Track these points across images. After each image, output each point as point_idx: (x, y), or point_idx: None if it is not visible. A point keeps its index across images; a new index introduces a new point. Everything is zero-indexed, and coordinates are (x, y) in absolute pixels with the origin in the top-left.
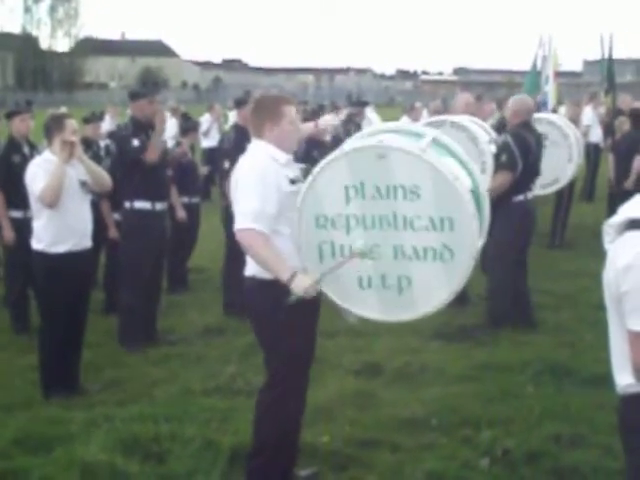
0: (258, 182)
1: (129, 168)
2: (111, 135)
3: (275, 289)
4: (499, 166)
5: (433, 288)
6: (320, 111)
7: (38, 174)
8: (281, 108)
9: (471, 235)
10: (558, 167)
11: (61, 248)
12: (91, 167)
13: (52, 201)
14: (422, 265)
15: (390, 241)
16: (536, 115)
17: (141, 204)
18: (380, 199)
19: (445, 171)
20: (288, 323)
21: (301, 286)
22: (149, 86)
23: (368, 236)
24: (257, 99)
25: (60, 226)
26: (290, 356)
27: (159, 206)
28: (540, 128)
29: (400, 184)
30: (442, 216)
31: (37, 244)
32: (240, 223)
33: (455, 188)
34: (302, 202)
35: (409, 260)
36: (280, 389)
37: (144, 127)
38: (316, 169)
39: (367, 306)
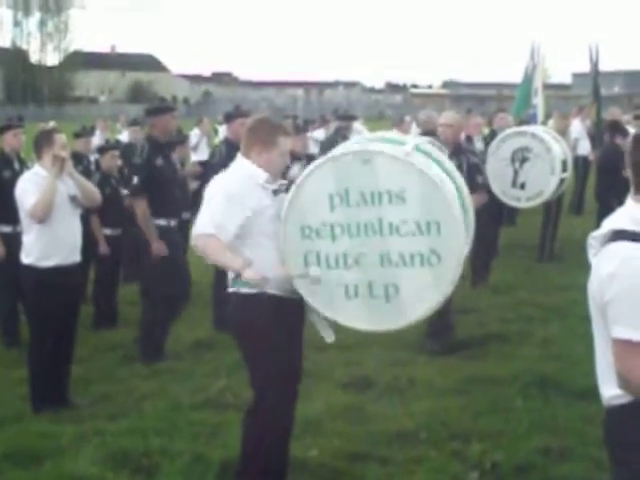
0: (224, 200)
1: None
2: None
3: (257, 303)
4: (476, 187)
5: (422, 294)
6: (307, 125)
7: (28, 189)
8: (277, 138)
9: (458, 238)
10: (542, 180)
11: (50, 262)
12: (81, 182)
13: (43, 216)
14: (409, 271)
15: (376, 248)
16: (520, 128)
17: (159, 221)
18: (365, 206)
19: (431, 174)
20: (272, 338)
21: (251, 277)
22: (165, 101)
23: (354, 244)
24: (257, 120)
25: (49, 240)
26: (275, 371)
27: (173, 223)
28: (524, 141)
29: (386, 189)
30: (429, 220)
31: (26, 258)
32: (199, 229)
33: (441, 191)
34: (286, 213)
35: (396, 267)
36: (267, 408)
37: (162, 147)
38: (300, 178)
39: (354, 316)
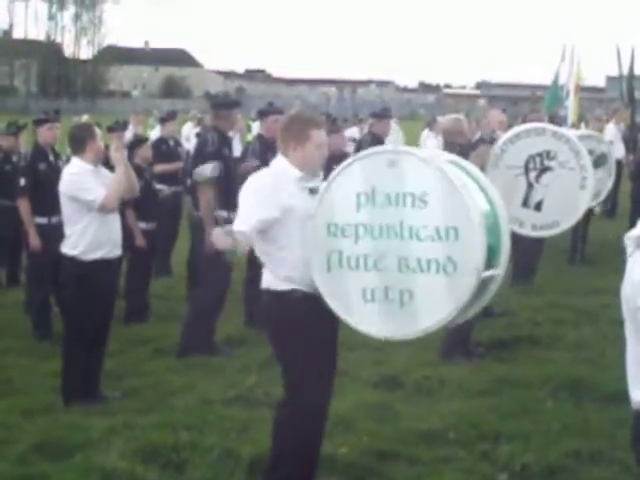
0: (252, 196)
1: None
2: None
3: (289, 300)
4: None
5: (435, 303)
6: (334, 123)
7: (87, 182)
8: (309, 131)
9: (475, 246)
10: (601, 182)
11: (95, 255)
12: (130, 172)
13: (113, 208)
14: (425, 278)
15: (395, 252)
16: (586, 132)
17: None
18: (389, 206)
19: (453, 177)
20: (304, 335)
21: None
22: (229, 96)
23: (375, 246)
24: (289, 117)
25: (97, 233)
26: (308, 367)
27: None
28: (590, 145)
29: (409, 191)
30: (447, 225)
31: (71, 250)
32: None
33: (461, 195)
34: (316, 209)
35: (413, 272)
36: (299, 405)
37: (227, 139)
38: (331, 176)
39: (369, 321)
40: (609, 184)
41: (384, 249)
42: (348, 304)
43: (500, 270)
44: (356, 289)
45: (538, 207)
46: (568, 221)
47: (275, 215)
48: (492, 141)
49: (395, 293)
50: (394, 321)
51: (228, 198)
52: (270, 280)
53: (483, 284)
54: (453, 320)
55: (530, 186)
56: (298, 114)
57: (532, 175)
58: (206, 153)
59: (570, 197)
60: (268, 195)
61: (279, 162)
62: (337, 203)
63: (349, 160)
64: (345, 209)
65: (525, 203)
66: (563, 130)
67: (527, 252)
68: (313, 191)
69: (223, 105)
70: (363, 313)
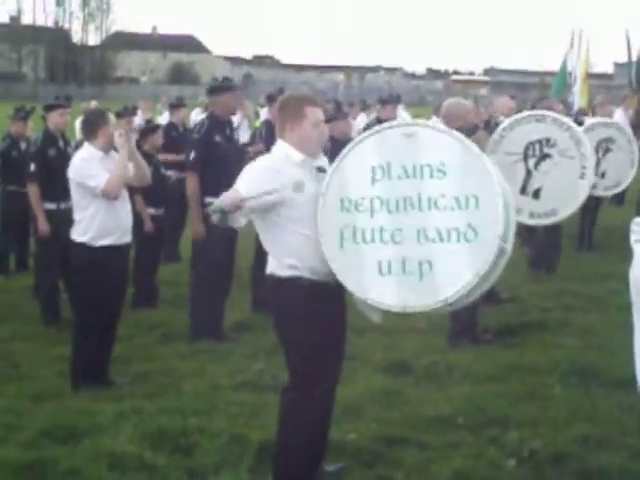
0: (252, 170)
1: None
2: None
3: (292, 286)
4: None
5: (457, 270)
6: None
7: (93, 168)
8: (304, 109)
9: (495, 213)
10: (621, 171)
11: (105, 241)
12: (139, 160)
13: (118, 193)
14: (445, 247)
15: (414, 224)
16: (606, 119)
17: (211, 199)
18: (406, 179)
19: (473, 146)
20: (307, 322)
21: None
22: (229, 80)
23: (392, 219)
24: (282, 98)
25: (106, 220)
26: (311, 354)
27: None
28: (609, 132)
29: (427, 162)
30: (467, 194)
31: (80, 236)
32: None
33: (482, 163)
34: (327, 186)
35: (432, 242)
36: (304, 390)
37: (222, 124)
38: (344, 150)
39: (385, 294)
40: (630, 175)
41: (401, 222)
42: (362, 279)
43: (510, 245)
44: (371, 263)
45: (536, 195)
46: (566, 210)
47: (273, 191)
48: (496, 127)
49: (413, 265)
50: (413, 293)
51: (220, 184)
52: (275, 266)
53: (497, 256)
54: (472, 290)
55: (529, 173)
56: (291, 94)
57: (531, 162)
58: (192, 140)
59: (569, 186)
60: (270, 172)
61: (279, 146)
62: (350, 178)
63: (363, 135)
64: (359, 183)
65: (523, 190)
66: (564, 118)
67: (544, 241)
68: (321, 170)
69: (215, 89)
70: (379, 286)
